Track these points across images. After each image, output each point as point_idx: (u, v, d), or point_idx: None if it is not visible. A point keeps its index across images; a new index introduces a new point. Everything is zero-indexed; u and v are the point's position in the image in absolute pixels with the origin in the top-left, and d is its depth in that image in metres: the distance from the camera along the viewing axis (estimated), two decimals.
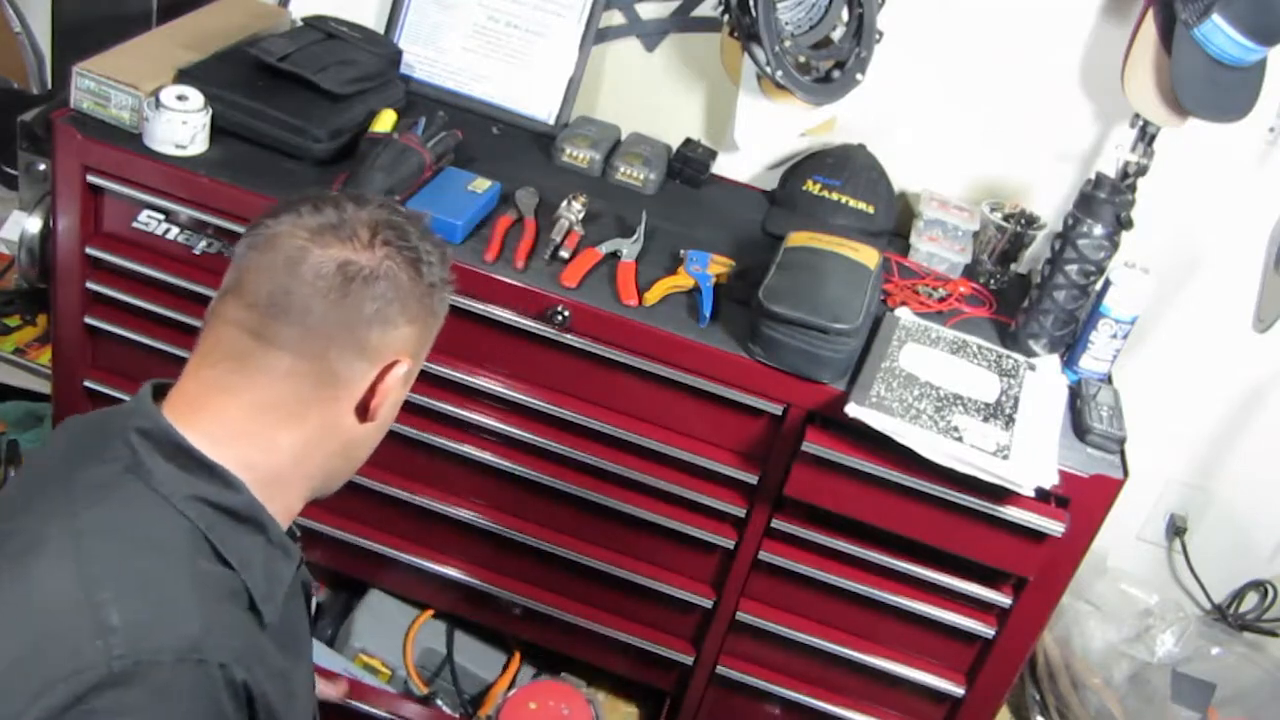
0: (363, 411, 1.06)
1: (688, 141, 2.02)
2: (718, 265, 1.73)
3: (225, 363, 1.02)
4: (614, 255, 1.72)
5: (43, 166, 1.95)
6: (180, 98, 1.66)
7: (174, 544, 0.95)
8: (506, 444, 1.74)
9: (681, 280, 1.69)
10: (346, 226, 1.02)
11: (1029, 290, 1.77)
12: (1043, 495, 1.53)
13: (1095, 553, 1.68)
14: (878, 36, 1.81)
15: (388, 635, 1.95)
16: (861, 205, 1.90)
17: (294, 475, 1.05)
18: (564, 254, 1.68)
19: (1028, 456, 1.49)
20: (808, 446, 1.56)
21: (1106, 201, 1.64)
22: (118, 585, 0.91)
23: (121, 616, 0.89)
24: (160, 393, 1.05)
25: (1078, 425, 1.63)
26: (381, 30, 2.02)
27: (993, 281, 1.89)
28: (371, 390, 1.05)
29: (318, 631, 1.96)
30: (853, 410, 1.49)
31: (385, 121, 1.76)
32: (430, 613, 1.99)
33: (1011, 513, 1.54)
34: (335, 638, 1.97)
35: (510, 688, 1.93)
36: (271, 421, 1.02)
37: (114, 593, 0.90)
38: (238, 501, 0.99)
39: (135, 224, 1.72)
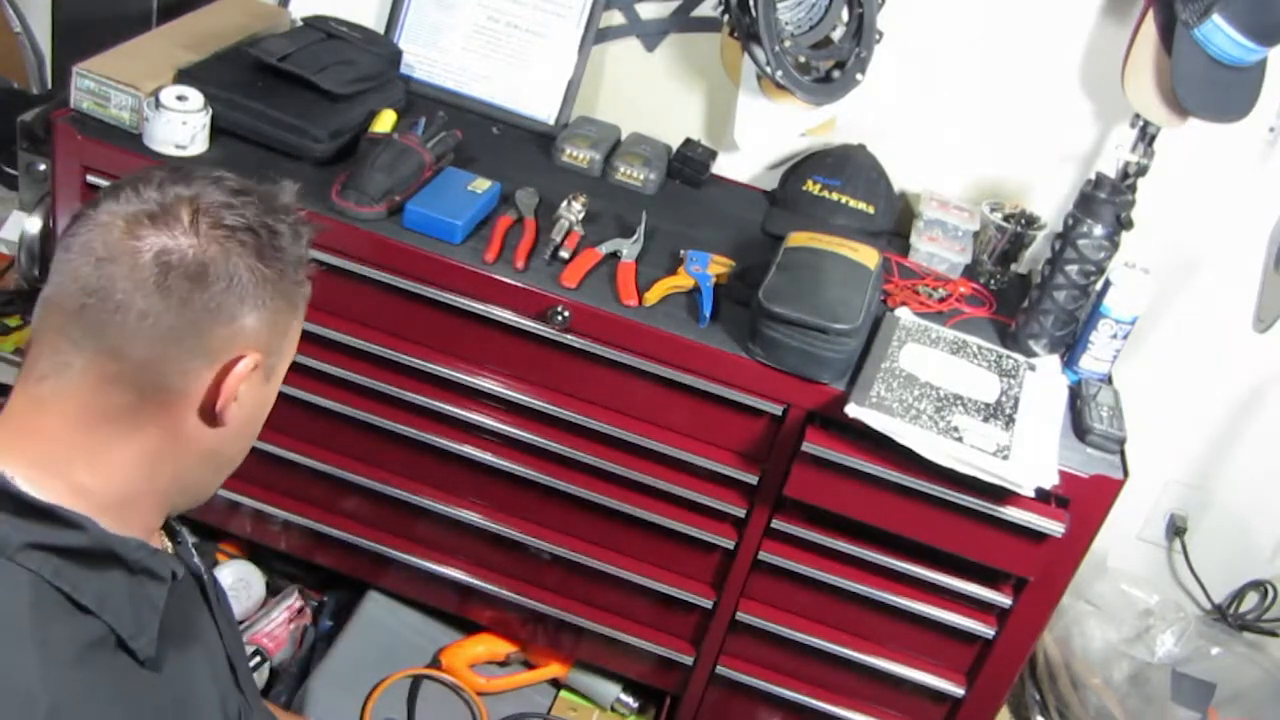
0: (211, 416, 0.96)
1: (688, 141, 2.02)
2: (718, 265, 1.73)
3: (50, 377, 0.92)
4: (614, 255, 1.72)
5: (43, 166, 1.95)
6: (180, 98, 1.66)
7: (9, 610, 0.84)
8: (507, 444, 1.74)
9: (681, 280, 1.69)
10: (167, 210, 0.92)
11: (1029, 290, 1.77)
12: (1043, 495, 1.53)
13: (1095, 553, 1.68)
14: (878, 36, 1.81)
15: (344, 706, 1.84)
16: (861, 205, 1.90)
17: (145, 492, 0.96)
18: (564, 254, 1.68)
19: (1028, 457, 1.49)
20: (808, 447, 1.56)
21: (1106, 201, 1.64)
22: None
23: None
24: None
25: (1078, 425, 1.63)
26: (381, 30, 2.02)
27: (993, 281, 1.89)
28: (215, 392, 0.95)
29: (272, 698, 1.84)
30: (853, 410, 1.49)
31: (385, 122, 1.76)
32: (391, 679, 1.89)
33: (1011, 513, 1.53)
34: (289, 707, 1.85)
35: None
36: (103, 437, 0.93)
37: None
38: (83, 541, 0.89)
39: None
